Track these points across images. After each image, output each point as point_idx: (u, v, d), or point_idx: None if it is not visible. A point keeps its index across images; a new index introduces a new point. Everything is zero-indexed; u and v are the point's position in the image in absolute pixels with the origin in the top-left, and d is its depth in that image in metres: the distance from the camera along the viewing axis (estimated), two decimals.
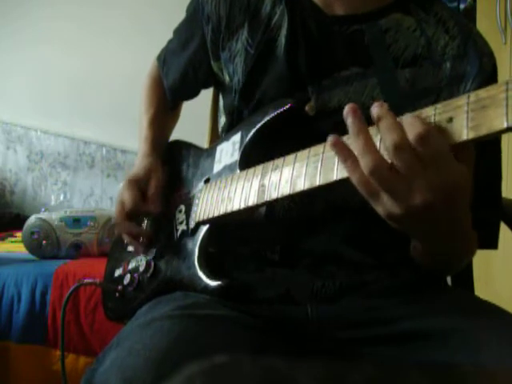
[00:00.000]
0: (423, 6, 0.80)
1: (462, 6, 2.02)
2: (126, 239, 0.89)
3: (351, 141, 0.56)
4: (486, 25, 1.86)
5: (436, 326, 0.68)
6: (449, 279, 0.92)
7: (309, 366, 0.27)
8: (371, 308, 0.73)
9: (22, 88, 2.87)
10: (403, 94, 0.74)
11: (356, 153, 0.55)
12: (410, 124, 0.52)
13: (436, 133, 0.51)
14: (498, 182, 0.80)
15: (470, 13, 1.94)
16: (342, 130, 0.61)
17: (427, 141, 0.51)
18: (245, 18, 0.81)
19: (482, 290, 1.02)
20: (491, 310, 0.71)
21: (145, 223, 0.92)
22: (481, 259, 0.75)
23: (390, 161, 0.53)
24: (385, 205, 0.55)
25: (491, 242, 0.79)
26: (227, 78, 0.85)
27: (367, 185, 0.54)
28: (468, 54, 0.77)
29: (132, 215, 0.85)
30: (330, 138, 0.56)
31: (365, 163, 0.53)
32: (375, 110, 0.54)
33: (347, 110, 0.56)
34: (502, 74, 0.83)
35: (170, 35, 0.99)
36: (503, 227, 0.90)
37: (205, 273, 0.74)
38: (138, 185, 0.87)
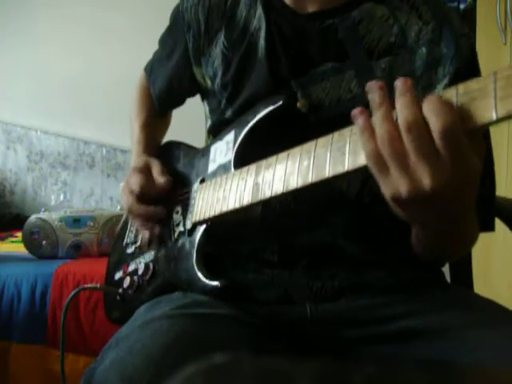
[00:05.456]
0: None
1: (462, 6, 2.01)
2: (140, 224, 0.87)
3: (373, 113, 0.52)
4: (486, 25, 1.86)
5: (435, 323, 0.68)
6: (448, 277, 0.92)
7: (309, 366, 0.27)
8: (370, 307, 0.73)
9: (22, 88, 2.87)
10: None
11: (375, 123, 0.51)
12: (436, 110, 0.48)
13: (459, 125, 0.48)
14: (491, 171, 0.79)
15: (470, 13, 1.94)
16: (324, 124, 0.61)
17: (449, 134, 0.47)
18: (222, 23, 0.83)
19: (481, 288, 1.03)
20: (490, 308, 0.71)
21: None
22: (480, 257, 0.75)
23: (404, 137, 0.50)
24: (392, 183, 0.51)
25: (488, 225, 0.79)
26: (209, 83, 0.86)
27: (378, 158, 0.51)
28: (444, 37, 0.76)
29: (143, 198, 0.84)
30: (355, 111, 0.53)
31: (381, 133, 0.50)
32: (398, 84, 0.51)
33: (371, 85, 0.52)
34: None
35: None
36: (503, 227, 0.90)
37: (203, 273, 0.74)
38: (142, 171, 0.86)
